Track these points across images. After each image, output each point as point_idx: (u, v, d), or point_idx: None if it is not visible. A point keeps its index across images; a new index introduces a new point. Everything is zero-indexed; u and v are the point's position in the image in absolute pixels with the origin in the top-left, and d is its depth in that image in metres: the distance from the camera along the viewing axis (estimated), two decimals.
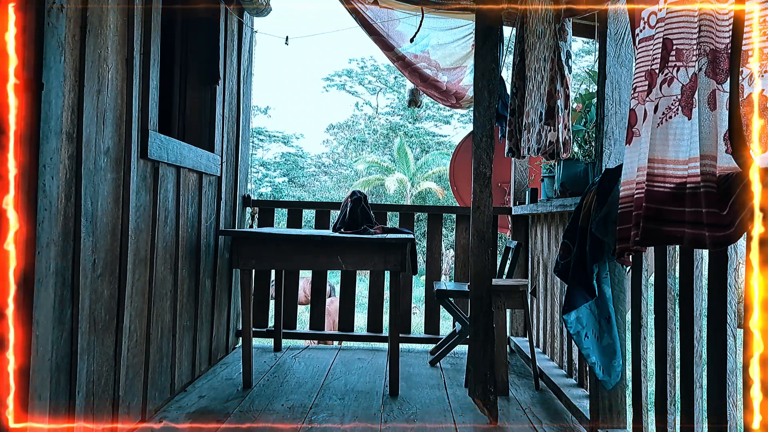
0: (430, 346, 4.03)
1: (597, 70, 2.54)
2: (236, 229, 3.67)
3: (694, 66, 1.52)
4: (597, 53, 2.58)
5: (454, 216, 4.46)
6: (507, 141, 3.35)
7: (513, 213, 4.17)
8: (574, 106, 3.04)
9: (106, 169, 2.14)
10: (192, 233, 3.04)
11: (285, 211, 4.40)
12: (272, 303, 4.16)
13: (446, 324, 4.78)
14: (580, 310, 2.19)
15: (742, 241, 1.41)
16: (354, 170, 24.64)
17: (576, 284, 2.20)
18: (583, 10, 2.58)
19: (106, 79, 2.11)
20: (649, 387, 2.16)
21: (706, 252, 1.74)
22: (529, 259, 4.04)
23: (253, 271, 3.32)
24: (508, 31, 3.62)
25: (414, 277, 4.14)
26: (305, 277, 7.03)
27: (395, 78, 26.02)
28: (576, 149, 3.00)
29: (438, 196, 21.67)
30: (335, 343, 5.21)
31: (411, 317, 4.26)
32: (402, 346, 3.63)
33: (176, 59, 3.33)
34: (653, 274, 2.10)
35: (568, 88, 2.63)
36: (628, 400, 2.29)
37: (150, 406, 2.58)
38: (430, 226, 4.31)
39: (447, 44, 4.15)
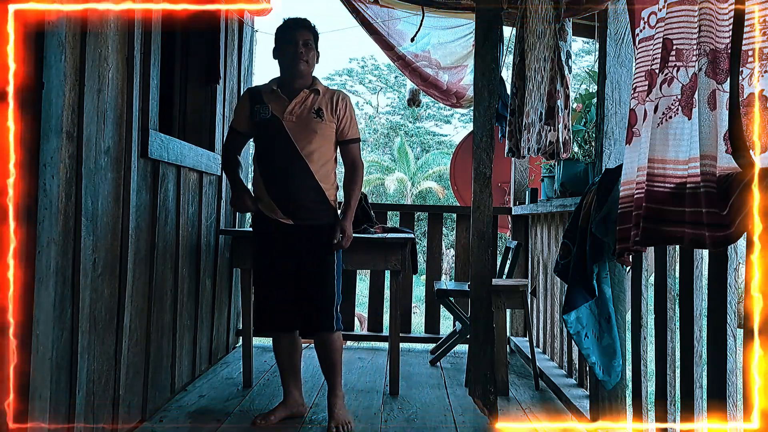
0: (431, 346, 4.02)
1: (597, 70, 2.54)
2: (236, 229, 3.67)
3: (694, 66, 1.52)
4: (597, 53, 2.58)
5: (454, 215, 4.47)
6: (507, 141, 3.34)
7: (513, 213, 4.17)
8: (574, 106, 3.04)
9: (107, 169, 2.14)
10: (192, 233, 3.04)
11: None
12: None
13: (446, 323, 4.78)
14: (580, 310, 2.19)
15: (742, 241, 1.41)
16: None
17: (576, 284, 2.20)
18: (583, 10, 2.58)
19: (106, 78, 2.11)
20: (649, 387, 2.15)
21: (706, 252, 1.74)
22: (529, 259, 4.04)
23: None
24: (508, 31, 3.62)
25: (414, 276, 4.14)
26: None
27: (396, 77, 25.98)
28: (576, 149, 3.00)
29: (438, 195, 21.66)
30: None
31: (411, 317, 4.26)
32: (402, 345, 3.63)
33: (177, 58, 3.33)
34: (653, 274, 2.10)
35: (568, 88, 2.62)
36: (628, 400, 2.29)
37: (150, 406, 2.58)
38: (431, 225, 4.31)
39: (448, 43, 4.15)
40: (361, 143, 2.64)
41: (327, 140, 2.53)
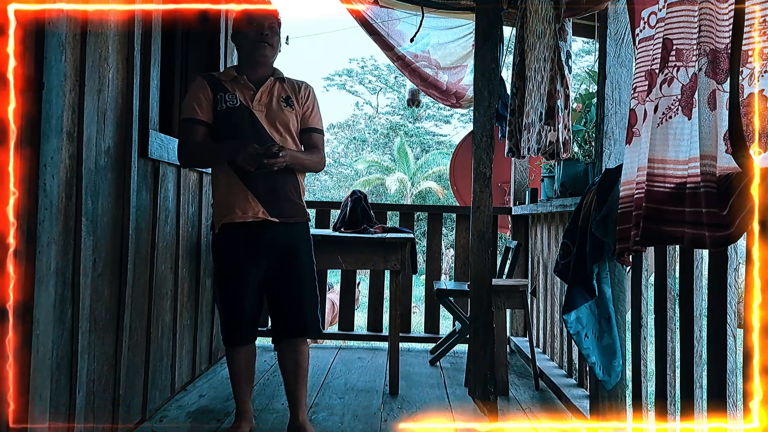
0: (430, 346, 4.03)
1: (597, 70, 2.54)
2: None
3: (694, 66, 1.52)
4: (597, 53, 2.58)
5: (454, 215, 4.48)
6: (507, 141, 3.34)
7: (513, 213, 4.17)
8: (574, 106, 3.04)
9: (107, 169, 2.14)
10: (192, 232, 3.04)
11: None
12: None
13: (446, 323, 4.79)
14: (580, 310, 2.19)
15: (742, 241, 1.41)
16: (354, 170, 24.63)
17: (576, 284, 2.21)
18: (583, 10, 2.58)
19: (106, 78, 2.11)
20: (649, 387, 2.16)
21: (706, 252, 1.74)
22: (529, 259, 4.04)
23: None
24: (508, 31, 3.62)
25: (414, 276, 4.15)
26: None
27: (395, 77, 25.99)
28: (576, 149, 3.00)
29: (438, 195, 21.67)
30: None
31: (411, 316, 4.26)
32: (402, 345, 3.64)
33: (177, 58, 3.33)
34: (653, 274, 2.10)
35: (568, 88, 2.62)
36: (628, 400, 2.29)
37: (150, 406, 2.58)
38: (430, 225, 4.31)
39: (447, 43, 4.15)
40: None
41: (296, 132, 2.37)
